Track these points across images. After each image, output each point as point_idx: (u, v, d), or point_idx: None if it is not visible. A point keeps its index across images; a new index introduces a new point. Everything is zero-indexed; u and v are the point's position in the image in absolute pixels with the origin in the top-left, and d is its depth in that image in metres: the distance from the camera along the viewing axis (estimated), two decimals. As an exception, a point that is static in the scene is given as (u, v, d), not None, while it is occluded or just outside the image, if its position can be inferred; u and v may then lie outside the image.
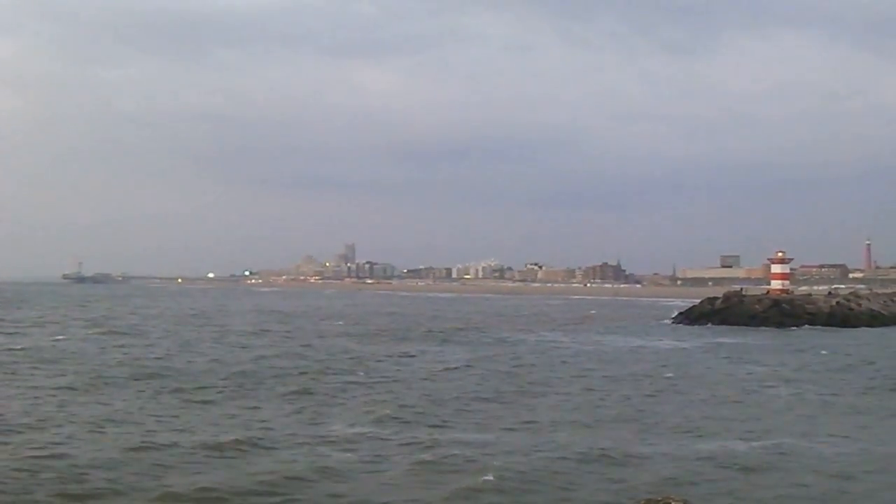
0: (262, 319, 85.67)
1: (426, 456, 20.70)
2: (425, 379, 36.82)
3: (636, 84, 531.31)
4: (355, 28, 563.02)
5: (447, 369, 40.67)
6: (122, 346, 50.00)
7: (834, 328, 76.84)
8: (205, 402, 29.05)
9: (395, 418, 26.05)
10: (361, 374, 38.30)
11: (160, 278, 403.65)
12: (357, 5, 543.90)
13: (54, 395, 29.64)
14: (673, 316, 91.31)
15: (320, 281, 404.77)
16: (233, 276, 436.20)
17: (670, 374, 40.03)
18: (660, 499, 8.22)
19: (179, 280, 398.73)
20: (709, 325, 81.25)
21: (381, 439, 22.73)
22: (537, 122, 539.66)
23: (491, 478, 18.79)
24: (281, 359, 43.94)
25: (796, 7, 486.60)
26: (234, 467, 19.40)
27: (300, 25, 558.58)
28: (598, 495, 17.68)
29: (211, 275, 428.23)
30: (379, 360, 44.26)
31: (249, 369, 38.70)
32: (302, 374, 37.34)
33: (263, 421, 25.31)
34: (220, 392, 31.46)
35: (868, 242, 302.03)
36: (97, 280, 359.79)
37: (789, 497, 18.22)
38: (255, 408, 27.99)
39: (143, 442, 21.65)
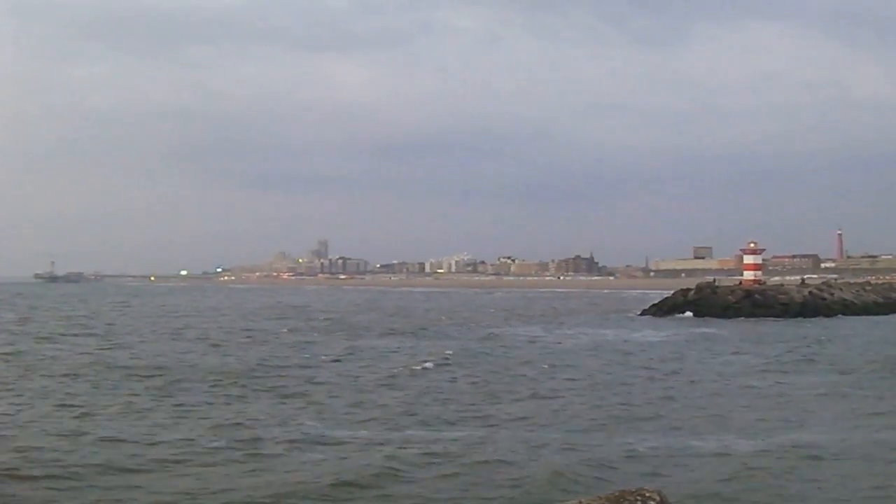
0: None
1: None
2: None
3: (608, 76, 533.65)
4: (327, 22, 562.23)
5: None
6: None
7: (807, 318, 76.90)
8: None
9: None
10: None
11: (132, 276, 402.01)
12: (330, 0, 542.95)
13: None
14: (646, 308, 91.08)
15: (293, 277, 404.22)
16: (205, 273, 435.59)
17: (647, 367, 39.59)
18: (633, 490, 7.80)
19: (152, 278, 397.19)
20: (681, 316, 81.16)
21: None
22: (509, 115, 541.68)
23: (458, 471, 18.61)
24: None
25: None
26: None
27: (271, 20, 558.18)
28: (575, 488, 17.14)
29: (184, 272, 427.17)
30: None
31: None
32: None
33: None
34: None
35: (839, 232, 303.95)
36: (70, 279, 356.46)
37: (778, 487, 17.84)
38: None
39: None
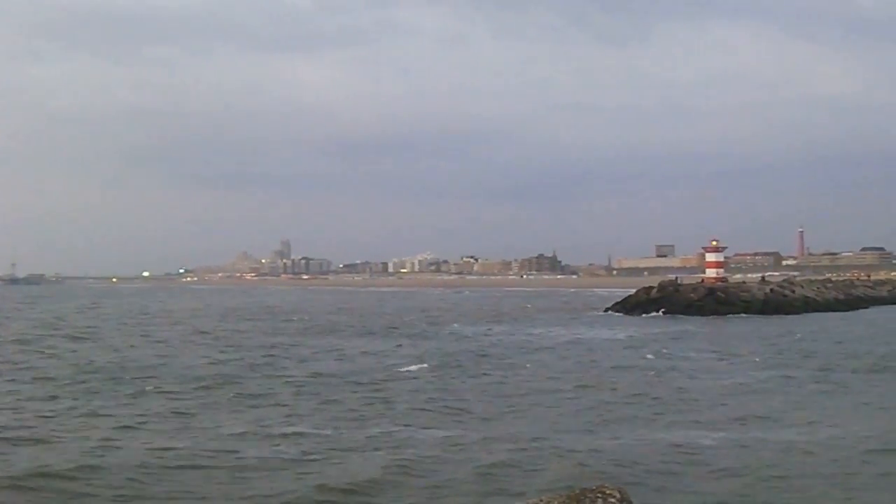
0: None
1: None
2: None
3: (571, 75, 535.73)
4: (289, 22, 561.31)
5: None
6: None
7: (768, 315, 77.23)
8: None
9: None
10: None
11: (94, 278, 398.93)
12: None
13: None
14: (609, 306, 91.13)
15: (256, 278, 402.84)
16: (168, 274, 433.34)
17: (612, 364, 39.42)
18: (594, 487, 7.77)
19: (114, 280, 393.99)
20: (644, 314, 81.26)
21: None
22: (472, 115, 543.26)
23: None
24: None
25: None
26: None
27: (234, 20, 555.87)
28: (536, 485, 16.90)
29: (146, 273, 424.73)
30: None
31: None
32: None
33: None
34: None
35: (801, 230, 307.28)
36: (31, 281, 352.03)
37: (738, 483, 17.62)
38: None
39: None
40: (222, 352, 46.08)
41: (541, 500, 7.83)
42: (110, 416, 25.39)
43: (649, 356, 42.82)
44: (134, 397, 29.22)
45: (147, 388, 31.10)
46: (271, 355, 44.13)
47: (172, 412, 26.05)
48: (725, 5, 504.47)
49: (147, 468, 18.68)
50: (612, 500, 7.70)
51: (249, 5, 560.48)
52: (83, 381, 33.07)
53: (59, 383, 32.54)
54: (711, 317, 76.18)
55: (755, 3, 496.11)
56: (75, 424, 23.96)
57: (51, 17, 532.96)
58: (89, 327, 67.98)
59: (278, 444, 21.11)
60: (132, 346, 49.70)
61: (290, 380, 33.76)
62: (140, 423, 24.22)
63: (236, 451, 20.25)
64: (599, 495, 7.73)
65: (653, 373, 36.23)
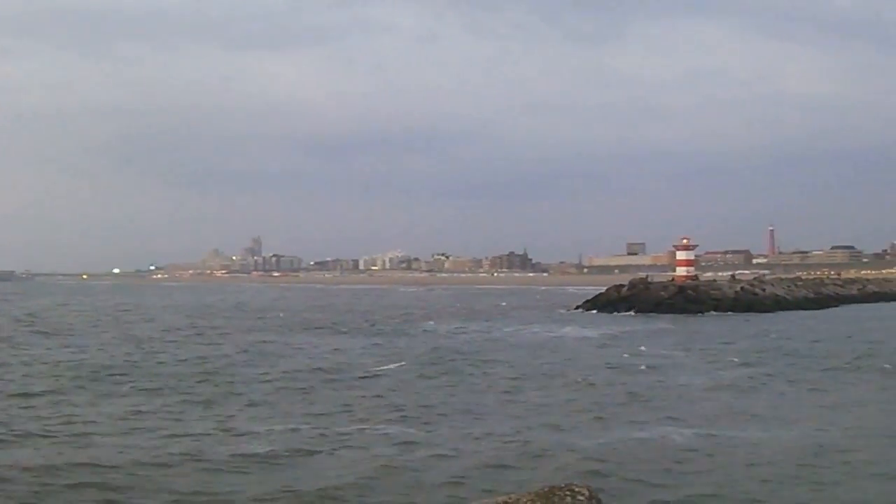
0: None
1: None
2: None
3: (544, 73, 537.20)
4: (262, 18, 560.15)
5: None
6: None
7: (738, 313, 77.51)
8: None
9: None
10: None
11: (64, 275, 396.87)
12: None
13: None
14: (580, 304, 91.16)
15: (227, 275, 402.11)
16: (138, 271, 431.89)
17: (585, 363, 39.32)
18: (563, 485, 7.80)
19: (84, 276, 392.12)
20: (615, 312, 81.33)
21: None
22: (444, 113, 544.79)
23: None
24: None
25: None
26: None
27: (206, 17, 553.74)
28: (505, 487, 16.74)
29: (116, 270, 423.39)
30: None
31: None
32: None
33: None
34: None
35: (771, 228, 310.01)
36: (2, 277, 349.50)
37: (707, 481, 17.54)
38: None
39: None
40: (193, 350, 45.58)
41: (510, 498, 7.73)
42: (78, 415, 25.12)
43: (623, 354, 42.69)
44: (107, 396, 28.87)
45: (119, 388, 30.71)
46: (246, 351, 44.20)
47: (138, 411, 25.74)
48: (699, 4, 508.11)
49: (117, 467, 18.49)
50: (581, 497, 7.68)
51: (222, 2, 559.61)
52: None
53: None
54: (682, 315, 76.27)
55: (729, 1, 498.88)
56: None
57: (19, 12, 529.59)
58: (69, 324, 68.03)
59: (247, 443, 20.89)
60: (103, 344, 49.13)
61: (264, 379, 33.39)
62: (111, 421, 23.99)
63: (202, 451, 20.02)
64: (568, 493, 7.70)
65: (627, 370, 36.18)
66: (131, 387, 30.76)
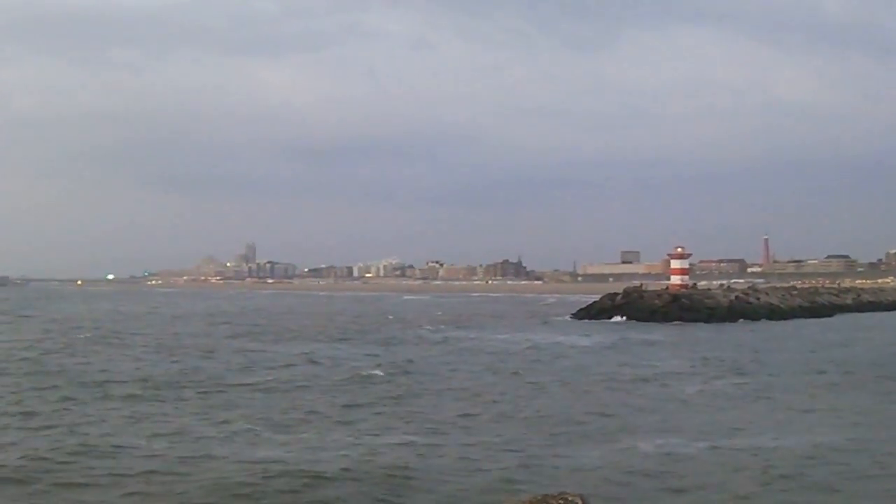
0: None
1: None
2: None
3: (537, 80, 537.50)
4: (254, 24, 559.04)
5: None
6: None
7: (733, 322, 77.47)
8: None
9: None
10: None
11: (59, 280, 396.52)
12: (257, 2, 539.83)
13: None
14: (574, 312, 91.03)
15: (221, 281, 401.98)
16: (133, 277, 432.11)
17: (579, 371, 39.31)
18: (556, 494, 7.78)
19: (79, 282, 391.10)
20: (609, 320, 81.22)
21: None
22: (438, 119, 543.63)
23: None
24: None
25: (695, 4, 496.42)
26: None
27: (198, 22, 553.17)
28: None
29: (111, 276, 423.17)
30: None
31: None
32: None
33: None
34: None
35: (766, 237, 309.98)
36: None
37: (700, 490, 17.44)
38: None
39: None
40: (184, 356, 45.40)
41: (503, 506, 7.64)
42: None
43: (616, 363, 42.65)
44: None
45: (112, 392, 30.70)
46: (242, 352, 45.03)
47: (133, 414, 25.76)
48: (691, 12, 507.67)
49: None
50: (574, 506, 7.48)
51: (215, 8, 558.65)
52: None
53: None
54: (676, 323, 76.17)
55: (721, 9, 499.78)
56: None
57: (14, 18, 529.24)
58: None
59: (240, 445, 20.96)
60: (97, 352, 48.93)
61: (261, 385, 33.30)
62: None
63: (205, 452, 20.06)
64: (562, 501, 7.55)
65: (618, 379, 36.12)
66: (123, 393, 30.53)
